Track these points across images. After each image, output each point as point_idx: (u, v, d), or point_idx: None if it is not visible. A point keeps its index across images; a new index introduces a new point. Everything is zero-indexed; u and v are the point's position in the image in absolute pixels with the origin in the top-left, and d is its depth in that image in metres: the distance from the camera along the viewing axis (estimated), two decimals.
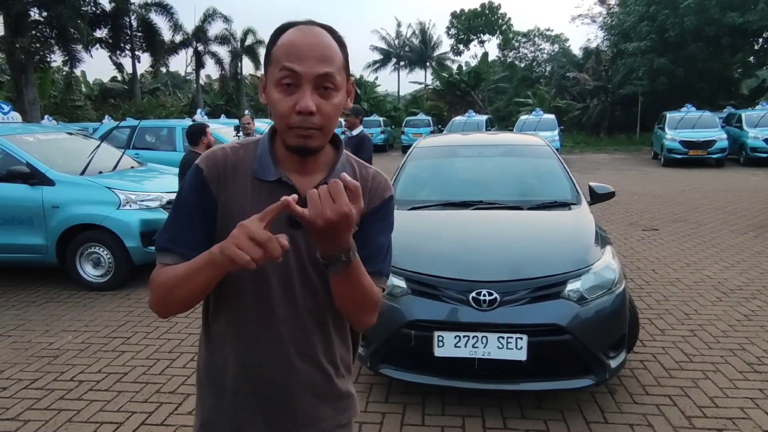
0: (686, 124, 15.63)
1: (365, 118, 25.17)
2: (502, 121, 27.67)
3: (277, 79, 0.99)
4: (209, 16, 29.22)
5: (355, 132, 5.39)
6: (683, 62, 22.39)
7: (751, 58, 24.31)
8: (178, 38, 28.67)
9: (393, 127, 27.45)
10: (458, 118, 20.25)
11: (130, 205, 5.04)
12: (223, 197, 1.06)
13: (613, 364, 2.76)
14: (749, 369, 3.26)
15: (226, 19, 29.64)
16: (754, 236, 6.68)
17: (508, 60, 36.80)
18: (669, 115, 16.52)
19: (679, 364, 3.34)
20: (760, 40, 22.91)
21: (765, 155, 14.51)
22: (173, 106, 27.30)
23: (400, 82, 43.41)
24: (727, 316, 4.12)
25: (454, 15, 42.26)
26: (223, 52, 31.19)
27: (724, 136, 15.06)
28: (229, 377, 1.12)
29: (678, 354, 3.49)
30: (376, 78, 38.81)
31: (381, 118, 26.01)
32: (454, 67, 34.87)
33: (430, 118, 25.59)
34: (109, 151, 6.20)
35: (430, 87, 34.24)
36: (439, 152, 4.79)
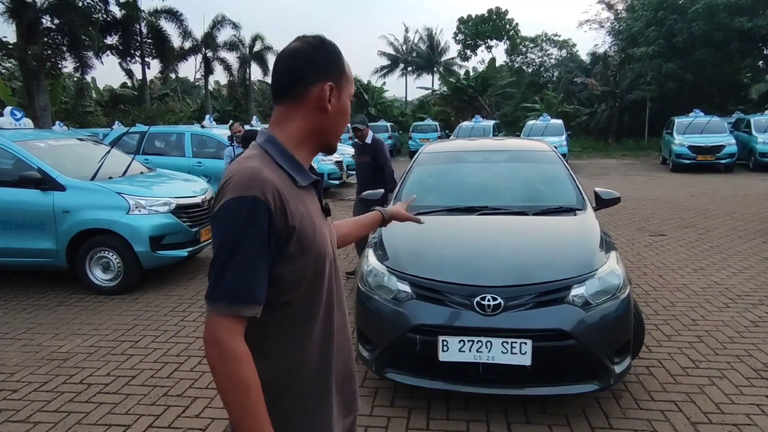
0: (695, 129, 15.54)
1: (373, 124, 25.51)
2: (510, 126, 27.63)
3: (351, 93, 1.22)
4: (218, 23, 29.51)
5: (369, 139, 5.47)
6: (691, 67, 22.28)
7: (761, 63, 24.15)
8: (187, 45, 28.99)
9: (400, 132, 27.55)
10: (465, 124, 20.27)
11: (140, 210, 5.10)
12: (295, 220, 1.07)
13: (618, 369, 2.76)
14: (756, 375, 3.25)
15: (235, 26, 29.94)
16: (762, 242, 6.63)
17: (516, 65, 36.77)
18: (677, 120, 16.44)
19: (685, 370, 3.33)
20: None
21: None
22: (182, 112, 27.51)
23: (408, 88, 43.46)
24: (734, 322, 4.09)
25: (461, 20, 42.32)
26: (231, 58, 31.50)
27: (733, 141, 14.96)
28: (328, 376, 1.19)
29: (684, 360, 3.47)
30: (384, 83, 38.89)
31: (388, 124, 26.14)
32: (462, 72, 34.87)
33: (437, 123, 25.66)
34: (119, 156, 6.29)
35: (437, 92, 34.24)
36: (445, 157, 4.82)
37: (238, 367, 1.00)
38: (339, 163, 12.25)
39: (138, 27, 25.00)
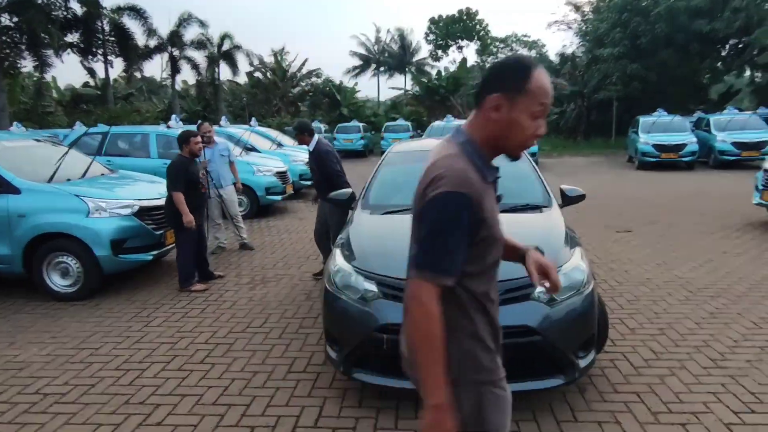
0: (659, 128, 16.01)
1: (345, 124, 25.42)
2: None
3: (533, 111, 1.31)
4: (184, 21, 28.81)
5: (311, 147, 5.24)
6: (655, 68, 22.97)
7: (719, 64, 25.06)
8: (152, 43, 28.22)
9: (373, 132, 27.50)
10: (437, 123, 20.32)
11: (100, 213, 4.94)
12: (486, 212, 1.32)
13: (583, 363, 2.80)
14: (712, 365, 3.35)
15: (202, 24, 29.28)
16: (721, 236, 6.86)
17: (487, 65, 37.26)
18: (642, 119, 16.89)
19: (647, 362, 3.41)
20: (727, 46, 23.65)
21: (732, 158, 14.97)
22: (149, 112, 26.86)
23: (380, 88, 43.50)
24: (694, 314, 4.22)
25: (432, 21, 42.61)
26: (199, 57, 30.81)
27: (695, 139, 15.47)
28: (497, 350, 1.44)
29: (647, 352, 3.55)
30: (356, 84, 38.74)
31: (360, 124, 26.06)
32: (433, 72, 35.10)
33: (409, 123, 25.73)
34: (79, 158, 6.08)
35: (409, 92, 34.42)
36: (413, 157, 4.79)
37: (433, 323, 1.26)
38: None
39: (100, 24, 24.29)
